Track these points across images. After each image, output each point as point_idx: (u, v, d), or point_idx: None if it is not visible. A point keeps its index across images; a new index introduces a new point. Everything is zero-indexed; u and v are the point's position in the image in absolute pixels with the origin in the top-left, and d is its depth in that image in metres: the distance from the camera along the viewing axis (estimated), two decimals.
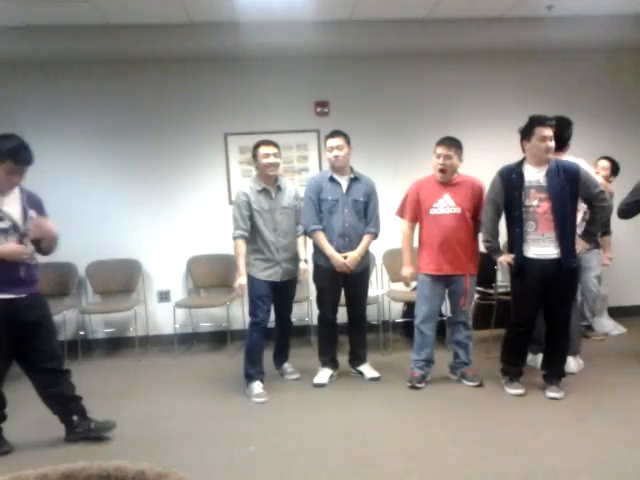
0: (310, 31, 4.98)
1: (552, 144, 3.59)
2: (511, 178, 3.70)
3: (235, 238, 3.99)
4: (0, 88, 5.28)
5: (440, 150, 3.96)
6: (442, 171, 3.96)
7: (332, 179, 4.11)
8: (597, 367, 4.29)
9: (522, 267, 3.68)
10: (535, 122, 3.61)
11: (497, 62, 5.61)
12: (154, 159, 5.49)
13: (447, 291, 4.11)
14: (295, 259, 4.11)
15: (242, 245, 3.98)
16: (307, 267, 4.12)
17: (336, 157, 4.06)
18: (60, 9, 4.48)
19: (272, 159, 3.99)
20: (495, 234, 3.82)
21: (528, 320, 3.79)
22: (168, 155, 5.50)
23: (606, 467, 2.81)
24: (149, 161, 5.48)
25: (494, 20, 5.13)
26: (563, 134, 3.89)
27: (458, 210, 3.96)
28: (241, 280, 3.95)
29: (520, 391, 3.80)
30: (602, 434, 3.18)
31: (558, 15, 5.04)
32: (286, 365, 4.38)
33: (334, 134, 4.11)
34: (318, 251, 4.13)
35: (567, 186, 3.59)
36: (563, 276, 3.63)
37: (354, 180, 4.12)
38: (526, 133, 3.65)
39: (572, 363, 4.11)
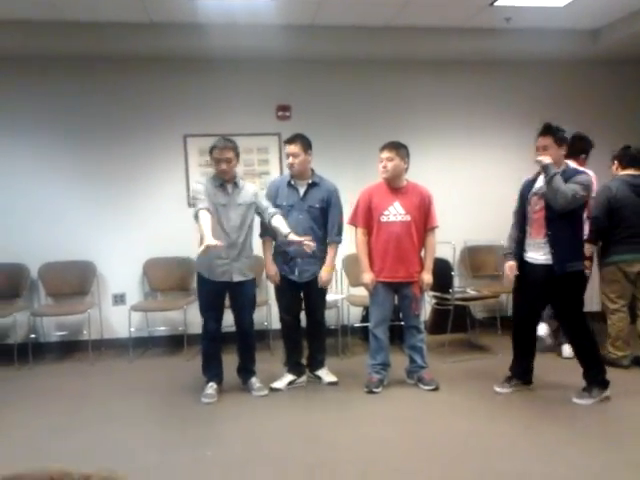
0: (273, 35, 4.98)
1: (547, 154, 3.63)
2: (525, 186, 3.85)
3: (197, 211, 3.73)
4: None
5: (382, 154, 4.02)
6: (385, 174, 4.01)
7: (290, 184, 4.10)
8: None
9: (520, 269, 3.82)
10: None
11: (456, 71, 5.73)
12: (112, 159, 5.38)
13: (398, 297, 4.15)
14: (249, 257, 4.01)
15: (206, 214, 3.70)
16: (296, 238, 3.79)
17: (292, 164, 4.04)
18: (14, 2, 4.35)
19: (224, 165, 3.85)
20: (512, 238, 3.90)
21: (520, 319, 3.92)
22: (126, 155, 5.40)
23: (555, 472, 2.87)
24: (106, 161, 5.37)
25: (454, 30, 5.22)
26: (575, 145, 4.10)
27: (408, 218, 4.01)
28: (208, 242, 3.51)
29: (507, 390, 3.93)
30: (551, 439, 3.26)
31: (516, 27, 5.18)
32: (253, 380, 4.14)
33: (291, 140, 4.06)
34: (273, 256, 4.13)
35: None
36: (560, 280, 3.67)
37: (312, 185, 4.10)
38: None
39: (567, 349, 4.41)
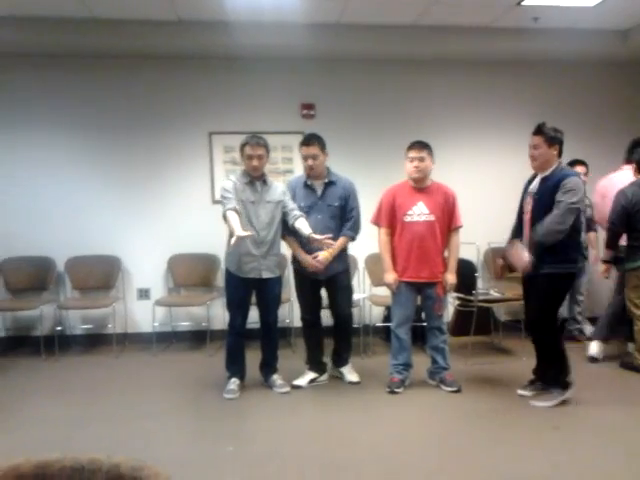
0: (299, 33, 4.99)
1: (536, 152, 3.65)
2: (524, 187, 3.86)
3: (225, 211, 3.77)
4: None
5: (413, 154, 3.97)
6: (418, 173, 3.98)
7: (307, 185, 4.09)
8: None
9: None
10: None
11: (482, 71, 5.69)
12: (138, 156, 5.45)
13: (421, 297, 4.13)
14: (277, 255, 4.03)
15: (233, 214, 3.74)
16: (317, 237, 3.79)
17: (310, 167, 4.02)
18: (47, 1, 4.43)
19: (255, 162, 3.88)
20: (512, 237, 3.93)
21: (527, 317, 3.93)
22: (152, 152, 5.46)
23: (578, 475, 2.83)
24: (133, 158, 5.44)
25: (480, 29, 5.19)
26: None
27: (432, 218, 3.98)
28: (238, 233, 3.58)
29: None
30: (576, 442, 3.22)
31: (544, 27, 5.12)
32: (275, 377, 4.15)
33: (308, 141, 4.02)
34: (294, 255, 4.14)
35: (548, 193, 3.62)
36: (533, 280, 3.71)
37: (329, 184, 4.08)
38: None
39: (595, 348, 4.46)
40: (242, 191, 3.90)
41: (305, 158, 4.03)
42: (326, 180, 4.08)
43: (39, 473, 1.23)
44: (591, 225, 5.18)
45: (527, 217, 3.75)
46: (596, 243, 5.31)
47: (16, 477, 1.21)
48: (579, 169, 4.98)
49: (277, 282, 4.09)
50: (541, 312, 3.75)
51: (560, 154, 3.73)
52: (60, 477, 1.22)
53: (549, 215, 3.54)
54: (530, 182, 3.83)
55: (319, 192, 4.08)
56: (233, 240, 3.60)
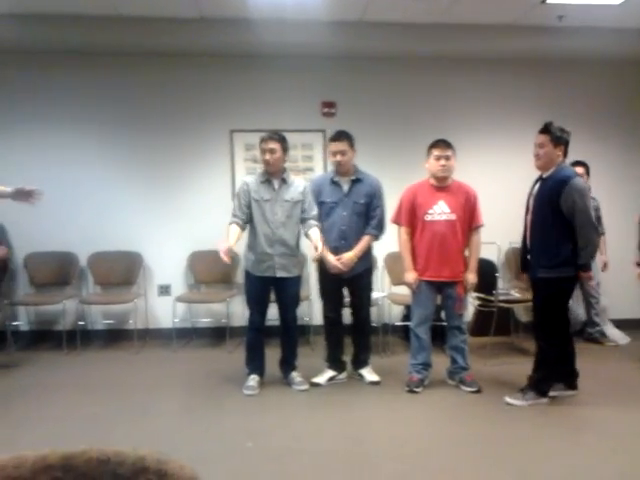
0: (321, 31, 4.99)
1: (541, 151, 3.63)
2: (531, 187, 3.82)
3: (229, 223, 3.94)
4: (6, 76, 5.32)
5: (438, 152, 3.95)
6: (444, 172, 3.95)
7: (333, 181, 4.10)
8: (607, 378, 4.29)
9: (523, 268, 3.90)
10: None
11: (505, 69, 5.64)
12: (159, 153, 5.49)
13: (441, 296, 4.11)
14: (294, 255, 4.03)
15: (235, 227, 3.90)
16: (319, 250, 3.84)
17: (339, 162, 4.03)
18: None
19: (267, 156, 3.91)
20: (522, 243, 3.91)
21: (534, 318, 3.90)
22: (173, 149, 5.50)
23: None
24: (154, 155, 5.49)
25: (504, 27, 5.14)
26: None
27: (453, 217, 3.96)
28: (227, 244, 3.76)
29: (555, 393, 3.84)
30: (599, 447, 3.18)
31: (569, 25, 5.06)
32: (294, 374, 4.16)
33: (338, 138, 4.04)
34: None
35: (547, 195, 3.59)
36: (534, 284, 3.74)
37: (356, 181, 4.08)
38: None
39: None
40: (256, 190, 3.95)
41: (334, 154, 4.04)
42: (353, 177, 4.08)
43: (66, 464, 1.24)
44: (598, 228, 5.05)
45: (529, 218, 3.74)
46: (604, 247, 5.22)
47: (44, 467, 1.22)
48: (578, 170, 4.92)
49: (294, 281, 4.08)
50: (541, 316, 3.74)
51: (565, 155, 3.70)
52: (86, 468, 1.23)
53: (578, 241, 3.53)
54: (536, 183, 3.80)
55: (345, 189, 4.08)
56: (221, 248, 3.70)
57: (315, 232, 3.94)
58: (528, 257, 3.79)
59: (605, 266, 5.28)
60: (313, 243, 3.87)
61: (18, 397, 3.94)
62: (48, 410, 3.69)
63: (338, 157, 4.02)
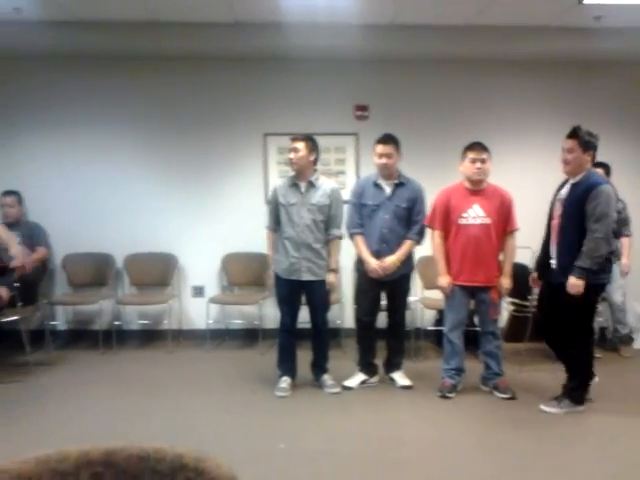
0: (353, 34, 4.99)
1: (570, 156, 3.56)
2: (555, 192, 3.77)
3: (267, 230, 4.22)
4: (39, 80, 5.46)
5: (473, 155, 3.92)
6: (480, 175, 3.92)
7: (376, 184, 4.09)
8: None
9: (541, 272, 3.81)
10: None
11: (540, 71, 5.54)
12: (194, 156, 5.57)
13: (475, 301, 4.07)
14: (321, 258, 4.03)
15: (270, 235, 4.17)
16: (334, 279, 4.03)
17: (385, 165, 4.02)
18: (109, 5, 4.57)
19: (291, 155, 3.99)
20: (542, 246, 3.84)
21: (544, 322, 3.84)
22: (208, 153, 5.57)
23: None
24: (189, 158, 5.57)
25: (540, 29, 5.06)
26: None
27: (488, 220, 3.92)
28: (270, 271, 4.10)
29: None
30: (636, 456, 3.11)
31: (607, 26, 4.96)
32: (325, 377, 4.17)
33: (386, 140, 4.03)
34: (358, 255, 4.14)
35: (576, 202, 3.52)
36: (559, 289, 3.58)
37: (399, 185, 4.07)
38: None
39: None
40: (283, 195, 4.02)
41: (380, 156, 4.03)
42: (396, 181, 4.08)
43: (107, 460, 1.28)
44: (622, 230, 4.83)
45: (555, 222, 3.67)
46: (630, 250, 5.00)
47: (86, 463, 1.26)
48: (598, 171, 4.82)
49: (322, 285, 4.06)
50: (570, 323, 3.63)
51: (593, 160, 3.63)
52: (127, 464, 1.26)
53: (585, 244, 3.44)
54: (560, 188, 3.73)
55: (388, 192, 4.07)
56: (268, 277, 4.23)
57: (334, 246, 4.03)
58: (551, 262, 3.69)
59: (627, 269, 5.03)
60: (328, 262, 4.01)
61: (56, 394, 4.04)
62: (85, 407, 3.78)
63: (384, 160, 4.01)
